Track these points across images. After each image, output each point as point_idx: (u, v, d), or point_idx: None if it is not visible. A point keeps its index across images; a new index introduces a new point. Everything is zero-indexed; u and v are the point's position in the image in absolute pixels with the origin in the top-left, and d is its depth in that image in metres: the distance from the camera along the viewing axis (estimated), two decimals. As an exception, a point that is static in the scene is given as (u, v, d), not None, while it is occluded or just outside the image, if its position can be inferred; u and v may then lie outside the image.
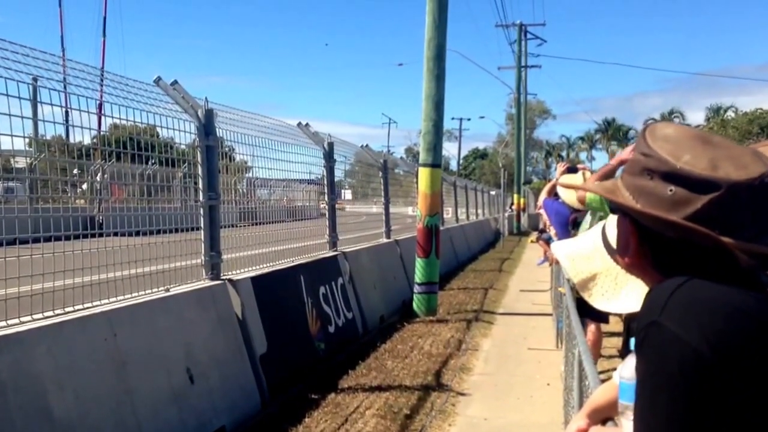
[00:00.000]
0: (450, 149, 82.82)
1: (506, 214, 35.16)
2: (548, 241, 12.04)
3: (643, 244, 1.27)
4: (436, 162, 10.97)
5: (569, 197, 6.00)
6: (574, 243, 1.82)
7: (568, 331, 5.22)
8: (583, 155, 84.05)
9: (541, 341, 8.88)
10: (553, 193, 7.10)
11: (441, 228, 11.51)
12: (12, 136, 4.28)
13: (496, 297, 12.97)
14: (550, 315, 10.09)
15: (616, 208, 1.34)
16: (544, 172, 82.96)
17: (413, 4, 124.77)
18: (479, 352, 8.35)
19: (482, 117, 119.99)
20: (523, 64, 44.25)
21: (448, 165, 76.27)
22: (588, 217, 5.83)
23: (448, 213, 20.71)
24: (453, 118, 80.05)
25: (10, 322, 3.96)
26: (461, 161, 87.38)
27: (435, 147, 10.90)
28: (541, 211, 8.16)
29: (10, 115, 4.12)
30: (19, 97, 4.24)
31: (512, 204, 40.41)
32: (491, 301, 12.35)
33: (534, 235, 19.41)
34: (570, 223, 6.30)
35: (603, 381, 2.36)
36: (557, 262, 9.15)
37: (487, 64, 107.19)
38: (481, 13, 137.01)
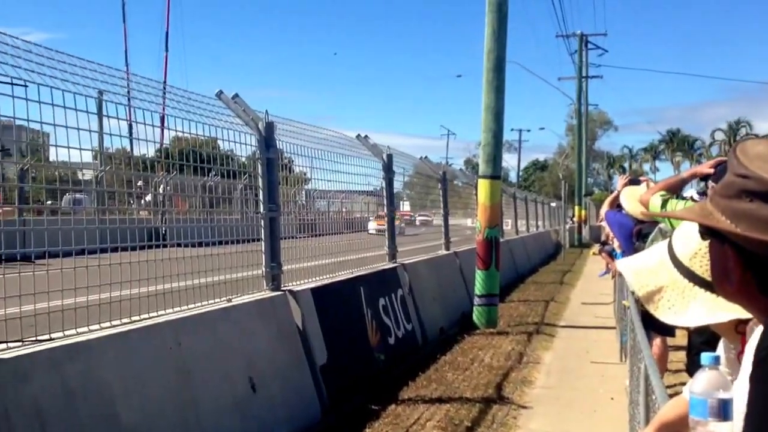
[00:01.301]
0: (509, 160, 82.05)
1: (567, 226, 34.62)
2: (611, 254, 11.79)
3: (746, 271, 1.20)
4: (496, 173, 10.88)
5: (633, 208, 5.86)
6: (639, 258, 1.78)
7: (633, 344, 5.09)
8: (646, 166, 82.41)
9: (604, 355, 8.69)
10: (616, 205, 6.95)
11: (501, 240, 11.40)
12: (81, 149, 4.42)
13: (558, 310, 12.77)
14: (613, 328, 9.86)
15: (706, 232, 1.26)
16: (605, 184, 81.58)
17: (472, 15, 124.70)
18: (541, 365, 8.22)
19: (542, 128, 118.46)
20: (584, 74, 43.68)
21: (508, 176, 75.65)
22: (656, 230, 5.68)
23: (507, 225, 20.52)
24: (512, 129, 79.39)
25: (79, 330, 4.07)
26: (521, 173, 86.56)
27: (495, 158, 10.83)
28: (603, 223, 8.00)
29: (78, 129, 4.25)
30: (87, 112, 4.37)
31: (573, 216, 39.81)
32: (552, 314, 12.16)
33: (596, 248, 19.04)
34: (634, 235, 6.15)
35: (670, 396, 2.29)
36: (620, 275, 8.96)
37: (547, 74, 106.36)
38: (541, 24, 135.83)
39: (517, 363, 8.17)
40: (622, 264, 1.78)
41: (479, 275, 10.63)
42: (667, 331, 6.01)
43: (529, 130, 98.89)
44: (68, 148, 4.20)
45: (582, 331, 10.62)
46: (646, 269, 1.68)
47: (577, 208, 39.66)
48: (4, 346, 3.61)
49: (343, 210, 10.22)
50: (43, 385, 3.60)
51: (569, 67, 62.87)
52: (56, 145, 4.18)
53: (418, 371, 7.55)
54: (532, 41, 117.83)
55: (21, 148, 5.16)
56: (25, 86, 3.74)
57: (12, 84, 3.67)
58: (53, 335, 3.90)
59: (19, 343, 3.69)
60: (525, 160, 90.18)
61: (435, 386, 6.99)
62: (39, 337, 3.80)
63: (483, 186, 10.81)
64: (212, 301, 5.44)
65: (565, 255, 25.90)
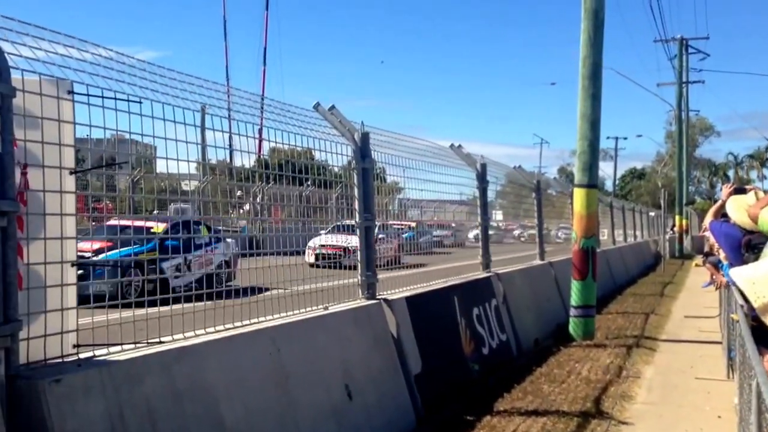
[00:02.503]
0: (605, 169, 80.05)
1: (667, 236, 33.46)
2: (716, 265, 11.32)
3: None
4: (592, 182, 10.67)
5: (740, 218, 5.62)
6: (755, 267, 1.72)
7: (743, 360, 4.87)
8: (753, 174, 78.72)
9: (710, 371, 8.33)
10: (721, 215, 6.68)
11: (597, 250, 11.14)
12: (188, 161, 4.61)
13: (658, 323, 12.34)
14: (719, 343, 9.46)
15: None
16: (708, 192, 78.38)
17: (566, 21, 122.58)
18: (641, 380, 7.96)
19: (639, 135, 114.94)
20: (684, 79, 42.18)
21: (603, 185, 73.69)
22: None
23: (603, 235, 20.03)
24: (608, 137, 77.22)
25: (186, 334, 4.25)
26: (617, 181, 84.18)
27: (591, 167, 10.62)
28: (707, 233, 7.69)
29: (187, 142, 4.43)
30: (195, 125, 4.55)
31: (674, 226, 38.46)
32: (653, 327, 11.76)
33: (699, 259, 18.32)
34: (743, 246, 5.87)
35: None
36: (726, 286, 8.58)
37: (645, 80, 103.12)
38: (637, 29, 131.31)
39: (616, 377, 7.94)
40: (737, 273, 1.72)
41: (575, 286, 10.42)
42: (780, 346, 5.72)
43: (625, 138, 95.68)
44: (177, 160, 4.39)
45: (685, 346, 10.23)
46: (763, 279, 1.62)
47: (677, 217, 38.28)
48: (119, 348, 3.81)
49: (435, 219, 10.24)
50: (154, 386, 3.76)
51: (668, 73, 60.85)
52: (166, 158, 4.37)
53: (513, 382, 7.46)
54: (629, 47, 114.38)
55: (131, 161, 5.43)
56: (140, 102, 3.94)
57: (128, 101, 3.88)
58: (163, 339, 4.07)
59: (133, 346, 3.88)
60: (621, 168, 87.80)
61: (531, 398, 6.88)
62: (150, 341, 3.98)
63: (579, 195, 10.61)
64: (309, 309, 5.55)
65: (666, 266, 25.02)
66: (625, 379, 7.89)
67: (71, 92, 3.68)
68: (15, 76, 3.34)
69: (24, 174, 3.49)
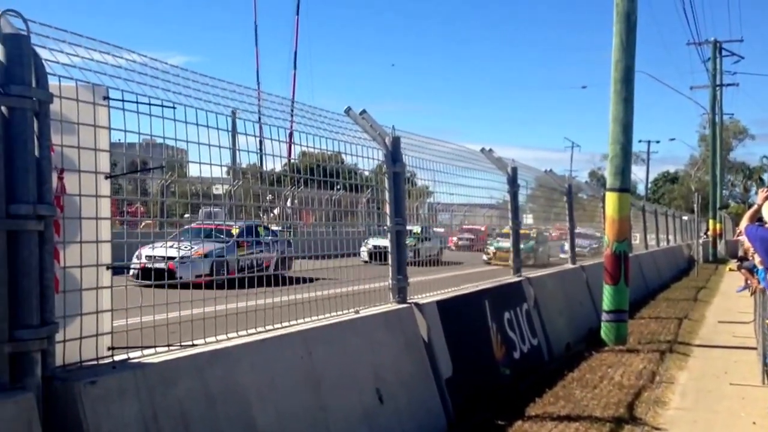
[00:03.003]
0: (637, 173, 78.91)
1: (701, 241, 33.00)
2: (751, 269, 11.14)
3: None
4: (624, 186, 10.55)
5: (778, 221, 5.53)
6: None
7: (780, 366, 4.80)
8: (788, 177, 77.17)
9: (744, 376, 8.20)
10: (756, 219, 6.59)
11: (630, 254, 11.02)
12: (220, 166, 4.64)
13: (692, 328, 12.17)
14: (754, 349, 9.29)
15: None
16: (742, 196, 77.09)
17: (598, 25, 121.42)
18: (675, 386, 7.85)
19: (672, 139, 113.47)
20: (718, 82, 41.60)
21: (635, 189, 72.79)
22: None
23: (636, 239, 19.81)
24: (640, 141, 76.29)
25: (219, 337, 4.28)
26: (650, 185, 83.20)
27: (623, 171, 10.50)
28: (742, 237, 7.57)
29: (220, 147, 4.45)
30: (227, 130, 4.59)
31: (707, 230, 37.93)
32: (686, 332, 11.60)
33: (733, 263, 18.05)
34: (780, 250, 5.79)
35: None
36: (762, 291, 8.44)
37: (678, 84, 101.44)
38: (670, 32, 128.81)
39: (649, 382, 7.84)
40: None
41: (607, 290, 10.31)
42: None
43: (658, 141, 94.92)
44: (210, 165, 4.41)
45: (719, 351, 10.08)
46: None
47: (711, 221, 37.75)
48: (153, 350, 3.85)
49: (466, 223, 10.22)
50: (187, 389, 3.79)
51: (701, 76, 59.89)
52: (199, 163, 4.39)
53: (545, 387, 7.40)
54: (662, 50, 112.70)
55: (162, 165, 5.49)
56: (173, 108, 3.98)
57: (162, 106, 3.92)
58: (196, 342, 4.11)
59: (166, 349, 3.92)
60: (654, 171, 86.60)
61: (563, 403, 6.82)
62: (183, 343, 4.02)
63: (611, 199, 10.50)
64: (340, 313, 5.56)
65: (699, 270, 24.69)
66: (658, 385, 7.79)
67: (107, 98, 3.73)
68: (52, 82, 3.39)
69: (61, 179, 3.55)
